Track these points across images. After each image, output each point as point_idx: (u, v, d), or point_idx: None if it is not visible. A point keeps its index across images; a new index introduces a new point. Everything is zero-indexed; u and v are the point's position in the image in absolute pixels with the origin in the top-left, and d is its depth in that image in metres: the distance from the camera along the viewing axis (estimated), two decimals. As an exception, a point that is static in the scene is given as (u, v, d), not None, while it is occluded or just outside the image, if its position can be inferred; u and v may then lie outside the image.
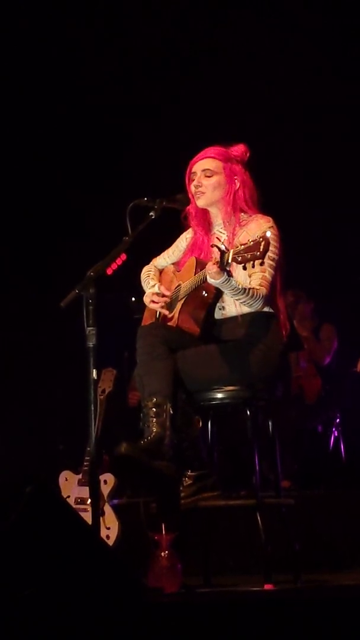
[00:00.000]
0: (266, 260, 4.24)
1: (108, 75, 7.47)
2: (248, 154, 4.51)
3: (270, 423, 4.50)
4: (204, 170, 4.45)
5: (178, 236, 4.70)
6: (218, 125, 6.70)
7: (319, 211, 7.27)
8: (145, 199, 4.33)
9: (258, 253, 3.94)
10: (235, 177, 4.44)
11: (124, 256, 4.19)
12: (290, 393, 6.66)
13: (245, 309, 4.32)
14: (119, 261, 4.16)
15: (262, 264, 4.00)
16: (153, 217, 4.30)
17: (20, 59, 7.38)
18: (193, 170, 4.48)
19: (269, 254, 4.23)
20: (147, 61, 7.41)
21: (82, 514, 4.16)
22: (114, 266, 4.15)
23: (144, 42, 7.37)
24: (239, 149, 4.50)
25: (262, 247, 3.93)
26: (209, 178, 4.44)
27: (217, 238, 4.40)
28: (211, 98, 7.35)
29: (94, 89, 7.46)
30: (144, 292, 4.64)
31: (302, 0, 7.08)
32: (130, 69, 7.47)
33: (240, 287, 4.18)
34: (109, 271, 4.12)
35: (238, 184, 4.44)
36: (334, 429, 6.61)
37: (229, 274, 4.10)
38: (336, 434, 6.61)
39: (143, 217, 4.29)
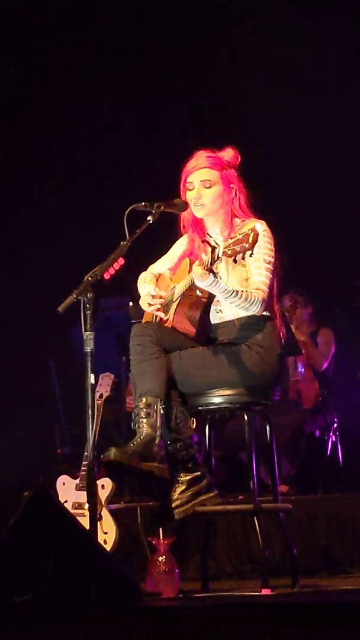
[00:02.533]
0: (262, 264, 4.24)
1: (107, 76, 7.48)
2: (239, 158, 4.50)
3: (267, 427, 4.49)
4: (202, 181, 4.42)
5: (175, 241, 4.69)
6: (217, 129, 6.72)
7: (318, 214, 7.27)
8: (143, 203, 4.33)
9: (247, 245, 3.95)
10: (231, 185, 4.44)
11: (121, 261, 4.19)
12: (287, 397, 6.66)
13: (242, 313, 4.32)
14: (116, 266, 4.16)
15: (251, 255, 4.00)
16: (151, 222, 4.30)
17: (20, 63, 7.41)
18: (189, 180, 4.46)
19: (265, 257, 4.24)
20: (146, 63, 7.42)
21: (80, 519, 4.16)
22: (112, 271, 4.15)
23: (144, 45, 7.39)
24: (229, 154, 4.48)
25: (251, 238, 3.95)
26: (208, 189, 4.42)
27: (207, 234, 4.40)
28: (211, 101, 7.36)
29: (93, 89, 7.48)
30: (139, 297, 4.64)
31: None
32: (130, 69, 7.48)
33: (230, 289, 4.18)
34: (107, 276, 4.12)
35: (234, 191, 4.44)
36: (331, 434, 6.61)
37: (215, 275, 4.11)
38: (334, 439, 6.61)
39: (141, 221, 4.28)
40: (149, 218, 4.30)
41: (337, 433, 6.62)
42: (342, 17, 6.98)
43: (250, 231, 3.97)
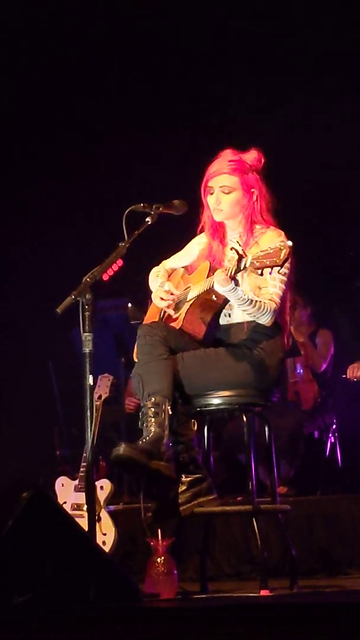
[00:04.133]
0: (278, 275, 4.22)
1: (107, 80, 7.49)
2: (262, 161, 4.48)
3: (266, 428, 4.50)
4: (221, 187, 4.41)
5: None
6: (217, 131, 6.71)
7: (318, 214, 7.27)
8: (142, 204, 4.33)
9: (278, 260, 3.94)
10: (252, 190, 4.42)
11: (120, 262, 4.20)
12: (286, 398, 6.66)
13: (251, 317, 4.32)
14: (115, 267, 4.17)
15: (274, 271, 4.00)
16: (150, 223, 4.30)
17: (19, 62, 7.41)
18: (209, 184, 4.44)
19: (282, 269, 4.19)
20: (147, 65, 7.42)
21: (79, 520, 4.17)
22: (110, 272, 4.15)
23: (144, 45, 7.39)
24: (252, 157, 4.46)
25: (282, 254, 3.94)
26: (227, 195, 4.41)
27: (236, 241, 4.38)
28: (211, 103, 7.36)
29: (93, 93, 7.48)
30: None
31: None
32: (129, 72, 7.48)
33: (247, 297, 4.19)
34: (105, 277, 4.12)
35: (255, 196, 4.44)
36: (330, 435, 6.60)
37: (237, 283, 4.12)
38: (333, 440, 6.60)
39: (140, 222, 4.29)
40: (147, 219, 4.31)
41: (336, 434, 6.61)
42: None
43: (282, 247, 3.95)
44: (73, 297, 4.00)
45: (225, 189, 4.42)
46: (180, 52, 7.37)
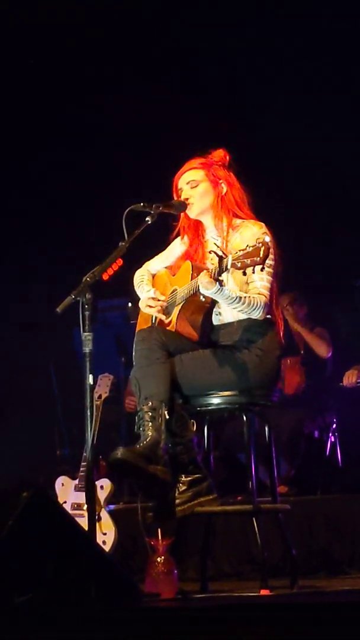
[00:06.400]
0: (264, 267, 4.24)
1: (106, 78, 7.49)
2: (228, 157, 4.55)
3: (266, 428, 4.50)
4: (188, 182, 4.49)
5: (173, 240, 4.70)
6: (214, 129, 6.72)
7: (318, 214, 7.27)
8: (142, 204, 4.34)
9: (258, 258, 3.96)
10: (220, 181, 4.47)
11: (120, 261, 4.20)
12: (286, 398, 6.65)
13: (242, 315, 4.33)
14: (115, 266, 4.16)
15: (262, 269, 4.01)
16: (149, 223, 4.31)
17: (15, 65, 7.41)
18: (179, 186, 4.52)
19: (267, 260, 4.23)
20: (144, 63, 7.42)
21: (79, 520, 4.17)
22: (110, 271, 4.15)
23: (142, 44, 7.39)
24: (218, 154, 4.54)
25: (262, 252, 3.95)
26: (194, 188, 4.48)
27: (214, 244, 4.40)
28: (208, 101, 7.36)
29: (91, 92, 7.48)
30: (137, 297, 4.64)
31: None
32: (128, 69, 7.49)
33: (234, 295, 4.20)
34: (105, 276, 4.12)
35: (225, 188, 4.47)
36: (330, 434, 6.61)
37: (221, 284, 4.13)
38: (333, 440, 6.61)
39: (139, 222, 4.29)
40: (147, 219, 4.31)
41: (336, 434, 6.61)
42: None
43: (260, 244, 3.97)
44: (73, 296, 4.00)
45: (193, 183, 4.49)
46: (179, 50, 7.37)
